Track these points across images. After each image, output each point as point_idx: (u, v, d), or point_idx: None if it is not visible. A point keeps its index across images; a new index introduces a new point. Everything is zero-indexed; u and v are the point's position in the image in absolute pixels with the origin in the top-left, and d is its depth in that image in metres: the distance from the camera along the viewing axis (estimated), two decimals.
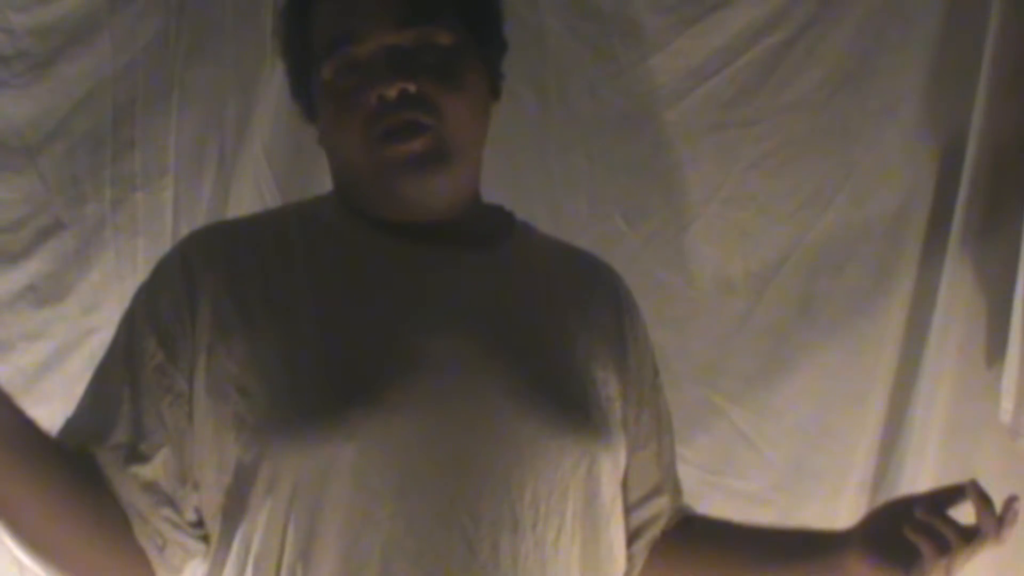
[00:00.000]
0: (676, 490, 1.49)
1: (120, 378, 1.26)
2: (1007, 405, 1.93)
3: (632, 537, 1.41)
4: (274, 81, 2.01)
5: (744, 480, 2.03)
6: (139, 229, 1.98)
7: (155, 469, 1.23)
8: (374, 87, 1.24)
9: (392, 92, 1.24)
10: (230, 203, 2.02)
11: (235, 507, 1.22)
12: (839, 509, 2.05)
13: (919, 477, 2.00)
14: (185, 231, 1.89)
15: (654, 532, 1.44)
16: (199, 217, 1.98)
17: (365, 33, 1.26)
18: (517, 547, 1.20)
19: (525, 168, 2.01)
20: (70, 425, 1.29)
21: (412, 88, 1.24)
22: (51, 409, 1.92)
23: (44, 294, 1.94)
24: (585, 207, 2.06)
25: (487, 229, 1.36)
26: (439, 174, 1.27)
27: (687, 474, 1.57)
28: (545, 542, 1.22)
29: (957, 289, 2.00)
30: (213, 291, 1.25)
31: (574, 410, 1.27)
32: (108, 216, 1.97)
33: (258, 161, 2.02)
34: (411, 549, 1.17)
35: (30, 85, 1.94)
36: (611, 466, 1.30)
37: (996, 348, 1.98)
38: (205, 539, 1.27)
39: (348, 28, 1.27)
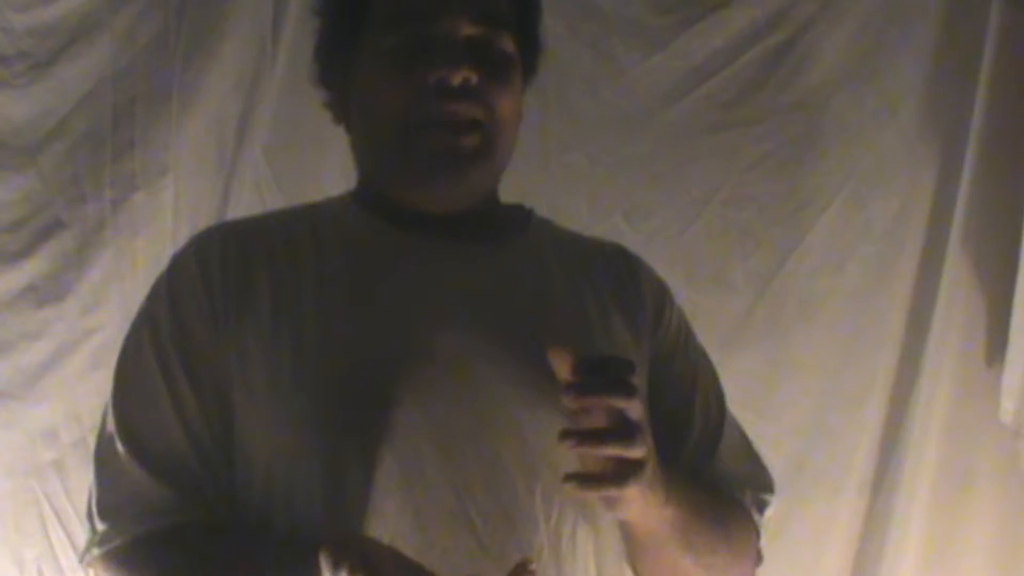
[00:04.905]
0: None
1: (180, 432, 1.23)
2: (1007, 405, 1.93)
3: None
4: (274, 81, 2.01)
5: None
6: (139, 229, 1.98)
7: None
8: (439, 68, 1.23)
9: (457, 79, 1.23)
10: (230, 203, 2.02)
11: (248, 499, 1.22)
12: (839, 509, 2.05)
13: (919, 477, 2.00)
14: (185, 231, 1.89)
15: None
16: (199, 217, 1.98)
17: (442, 15, 1.26)
18: (530, 541, 1.18)
19: (525, 168, 2.01)
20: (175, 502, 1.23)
21: (475, 80, 1.24)
22: (51, 409, 1.95)
23: (44, 294, 1.94)
24: (585, 207, 2.06)
25: (500, 224, 1.35)
26: (478, 171, 1.27)
27: None
28: (561, 536, 1.20)
29: (957, 289, 2.00)
30: (223, 297, 1.24)
31: None
32: (108, 216, 1.97)
33: (258, 161, 2.02)
34: (418, 543, 1.16)
35: (30, 85, 1.95)
36: None
37: (996, 348, 1.98)
38: None
39: (425, 6, 1.27)
